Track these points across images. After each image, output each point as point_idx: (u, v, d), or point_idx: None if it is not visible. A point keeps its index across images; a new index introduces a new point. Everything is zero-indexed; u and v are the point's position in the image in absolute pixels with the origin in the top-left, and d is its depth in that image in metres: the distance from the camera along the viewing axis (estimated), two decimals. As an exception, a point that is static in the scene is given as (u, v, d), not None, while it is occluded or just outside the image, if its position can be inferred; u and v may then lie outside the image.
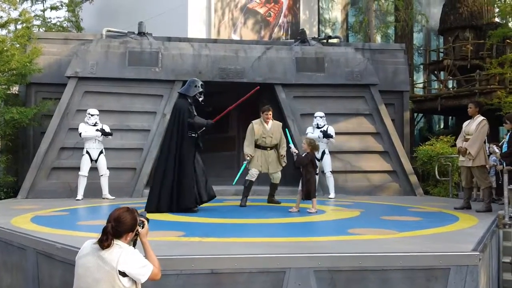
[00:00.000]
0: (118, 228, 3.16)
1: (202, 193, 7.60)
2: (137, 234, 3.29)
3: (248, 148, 8.45)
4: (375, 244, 4.91)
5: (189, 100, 7.59)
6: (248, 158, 8.39)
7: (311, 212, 7.35)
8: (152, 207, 7.23)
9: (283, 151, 8.58)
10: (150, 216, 6.63)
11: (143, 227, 3.32)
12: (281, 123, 8.90)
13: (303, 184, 7.49)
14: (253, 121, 8.65)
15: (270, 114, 8.57)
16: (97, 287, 3.08)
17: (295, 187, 10.91)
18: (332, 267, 4.17)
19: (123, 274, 3.09)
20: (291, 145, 7.93)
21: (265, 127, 8.55)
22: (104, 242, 3.11)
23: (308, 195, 7.46)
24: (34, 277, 4.91)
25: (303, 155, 7.61)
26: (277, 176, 8.67)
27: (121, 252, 3.11)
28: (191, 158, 7.43)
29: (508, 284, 6.38)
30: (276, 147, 8.59)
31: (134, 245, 3.31)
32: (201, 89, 7.67)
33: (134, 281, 3.16)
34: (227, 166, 13.79)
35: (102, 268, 3.08)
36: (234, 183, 8.27)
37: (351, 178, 11.53)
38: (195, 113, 7.61)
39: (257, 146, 8.49)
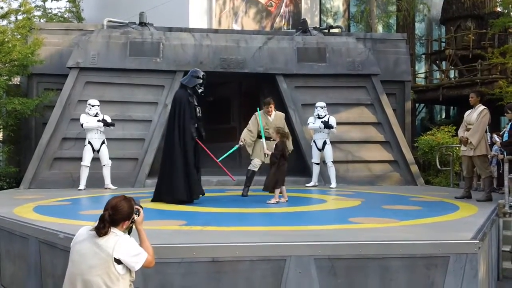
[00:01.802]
0: (115, 216, 3.22)
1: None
2: (133, 222, 3.35)
3: (245, 134, 8.41)
4: (376, 232, 4.94)
5: (189, 91, 7.56)
6: (242, 143, 8.34)
7: (270, 204, 7.18)
8: (160, 197, 7.27)
9: (289, 145, 8.30)
10: (154, 205, 6.67)
11: (138, 215, 3.38)
12: (283, 114, 8.89)
13: (273, 174, 7.35)
14: (256, 113, 8.59)
15: (271, 107, 8.57)
16: (91, 273, 3.13)
17: (296, 177, 10.99)
18: (333, 255, 4.20)
19: (118, 261, 3.14)
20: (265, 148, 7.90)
21: (268, 119, 8.56)
22: (101, 230, 3.16)
23: (276, 185, 7.32)
24: (36, 266, 4.96)
25: (273, 151, 7.42)
26: None
27: (117, 240, 3.17)
28: (191, 149, 7.41)
29: (507, 272, 6.44)
30: None
31: (129, 233, 3.36)
32: (201, 80, 7.60)
33: (129, 269, 3.22)
34: (229, 157, 13.81)
35: (98, 255, 3.13)
36: (219, 160, 8.07)
37: (352, 168, 11.56)
38: (196, 103, 7.58)
39: (260, 137, 8.47)
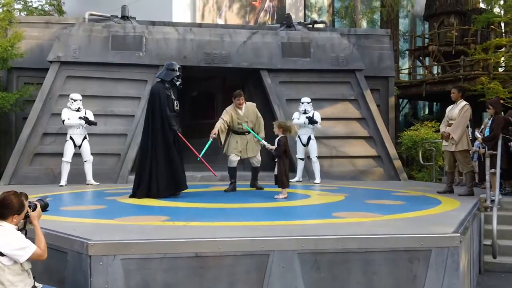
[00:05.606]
0: (2, 210, 3.36)
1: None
2: (27, 217, 3.48)
3: (219, 123, 8.10)
4: (359, 226, 4.94)
5: (167, 85, 7.46)
6: (214, 135, 7.99)
7: (279, 198, 7.17)
8: (144, 194, 7.16)
9: (262, 133, 8.35)
10: (137, 201, 6.58)
11: (34, 210, 3.51)
12: (254, 104, 8.63)
13: (279, 173, 7.30)
14: (227, 108, 8.41)
15: (241, 99, 8.26)
16: None
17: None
18: (316, 250, 4.20)
19: (1, 253, 3.27)
20: (264, 143, 7.70)
21: (239, 113, 8.29)
22: None
23: (283, 184, 7.29)
24: (16, 262, 4.87)
25: (277, 146, 7.26)
26: (256, 160, 8.51)
27: (1, 233, 3.31)
28: (172, 143, 7.32)
29: (489, 266, 6.50)
30: (253, 130, 8.32)
31: (24, 227, 3.51)
32: (178, 73, 7.51)
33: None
34: (213, 152, 13.73)
35: None
36: (200, 155, 7.91)
37: (337, 163, 11.59)
38: (173, 97, 7.48)
39: (234, 132, 8.35)
